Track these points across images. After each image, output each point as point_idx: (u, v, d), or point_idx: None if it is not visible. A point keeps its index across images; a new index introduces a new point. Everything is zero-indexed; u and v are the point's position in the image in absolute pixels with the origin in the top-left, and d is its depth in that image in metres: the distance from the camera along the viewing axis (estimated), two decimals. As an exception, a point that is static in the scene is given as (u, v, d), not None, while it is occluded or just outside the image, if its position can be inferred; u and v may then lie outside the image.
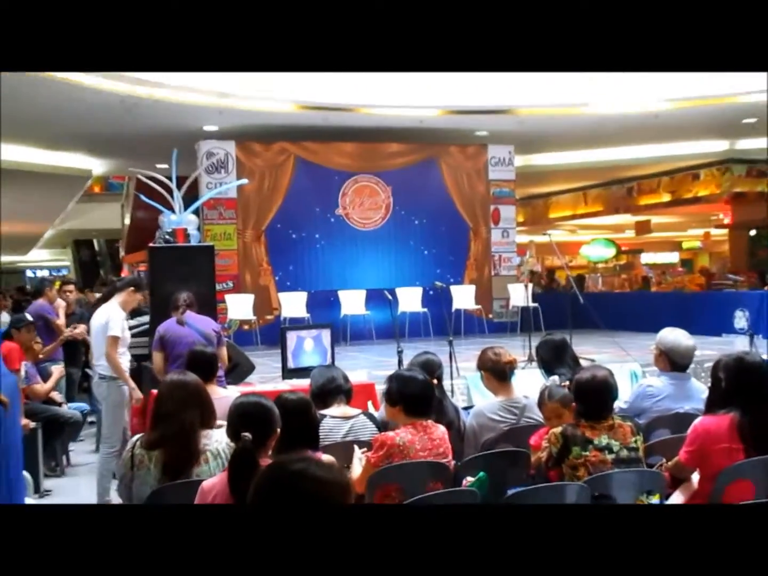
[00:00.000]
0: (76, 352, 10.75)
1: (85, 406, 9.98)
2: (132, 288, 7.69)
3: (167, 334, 7.41)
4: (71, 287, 11.46)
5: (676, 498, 4.57)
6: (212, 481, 3.85)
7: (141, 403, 7.46)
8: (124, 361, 7.49)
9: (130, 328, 9.30)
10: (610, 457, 4.40)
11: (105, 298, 8.14)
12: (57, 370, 9.32)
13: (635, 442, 4.51)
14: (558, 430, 4.51)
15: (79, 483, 8.54)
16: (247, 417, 3.88)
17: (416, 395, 4.68)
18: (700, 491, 4.49)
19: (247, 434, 3.63)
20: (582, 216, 25.50)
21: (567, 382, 5.22)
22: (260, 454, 3.71)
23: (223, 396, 5.76)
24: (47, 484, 8.32)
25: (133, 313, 8.98)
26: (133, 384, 7.43)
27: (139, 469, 4.28)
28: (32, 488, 7.42)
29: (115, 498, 6.87)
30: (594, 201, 24.83)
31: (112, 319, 7.38)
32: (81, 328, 9.73)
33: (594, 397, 4.52)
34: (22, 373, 8.25)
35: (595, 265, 31.51)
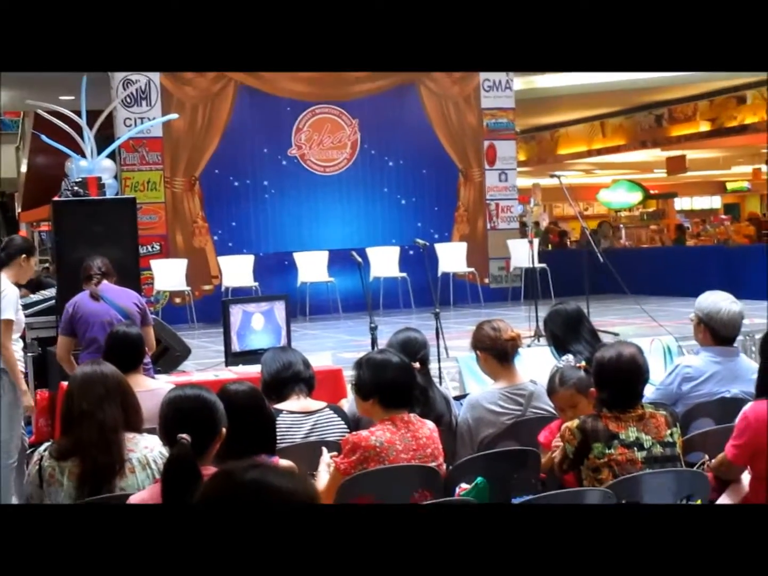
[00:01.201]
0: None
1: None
2: (23, 255, 7.56)
3: (78, 313, 7.33)
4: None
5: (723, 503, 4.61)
6: (141, 495, 3.87)
7: (45, 401, 7.41)
8: (16, 349, 7.40)
9: (32, 304, 9.28)
10: (640, 455, 4.43)
11: None
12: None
13: (671, 435, 4.54)
14: (574, 423, 4.53)
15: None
16: (183, 414, 3.88)
17: (394, 382, 4.69)
18: (753, 495, 4.54)
19: (184, 436, 3.64)
20: (599, 152, 25.55)
21: (584, 363, 5.25)
22: (202, 461, 3.72)
23: (152, 388, 5.76)
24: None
25: (35, 286, 8.91)
26: (24, 386, 7.28)
27: (49, 485, 4.27)
28: None
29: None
30: (614, 133, 24.88)
31: (3, 298, 7.25)
32: None
33: (619, 381, 4.54)
34: None
35: (617, 213, 31.64)
